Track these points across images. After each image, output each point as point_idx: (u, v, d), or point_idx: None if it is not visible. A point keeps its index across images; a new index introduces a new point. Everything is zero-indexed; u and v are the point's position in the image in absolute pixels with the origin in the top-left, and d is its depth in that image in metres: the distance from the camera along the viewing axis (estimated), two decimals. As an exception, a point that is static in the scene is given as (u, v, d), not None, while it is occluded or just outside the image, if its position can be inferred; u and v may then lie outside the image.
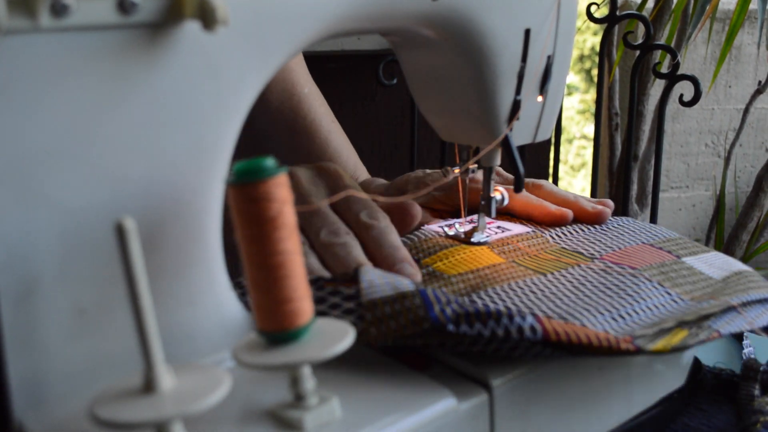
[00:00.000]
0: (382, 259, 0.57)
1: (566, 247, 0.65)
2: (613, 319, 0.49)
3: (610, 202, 0.72)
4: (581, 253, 0.63)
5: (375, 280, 0.45)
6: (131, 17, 0.37)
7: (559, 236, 0.67)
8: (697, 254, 0.64)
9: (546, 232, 0.68)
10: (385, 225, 0.60)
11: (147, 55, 0.38)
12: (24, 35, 0.35)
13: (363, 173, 0.93)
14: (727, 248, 1.97)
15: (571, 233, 0.68)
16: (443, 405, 0.42)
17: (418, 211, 0.64)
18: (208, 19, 0.37)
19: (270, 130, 0.91)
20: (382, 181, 0.85)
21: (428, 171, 0.77)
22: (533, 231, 0.68)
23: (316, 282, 0.48)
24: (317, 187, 0.62)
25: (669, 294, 0.54)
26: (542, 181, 0.76)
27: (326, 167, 0.65)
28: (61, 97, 0.36)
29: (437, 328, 0.42)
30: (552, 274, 0.57)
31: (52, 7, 0.34)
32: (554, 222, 0.70)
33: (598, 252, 0.63)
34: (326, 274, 0.54)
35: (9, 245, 0.36)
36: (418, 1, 0.52)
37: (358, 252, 0.57)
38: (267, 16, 0.43)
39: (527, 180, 0.76)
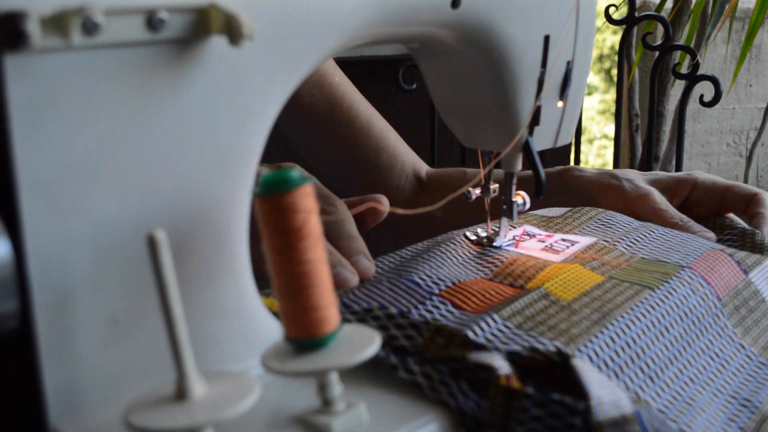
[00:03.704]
0: (338, 250, 0.56)
1: (645, 256, 0.66)
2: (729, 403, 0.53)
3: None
4: (666, 262, 0.64)
5: (603, 397, 0.42)
6: (159, 34, 0.38)
7: (630, 246, 0.68)
8: (760, 263, 0.67)
9: (616, 242, 0.68)
10: (342, 212, 0.59)
11: (175, 71, 0.39)
12: (56, 54, 0.35)
13: (415, 159, 0.89)
14: (750, 248, 1.95)
15: (637, 240, 0.69)
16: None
17: (386, 204, 0.62)
18: (234, 34, 0.38)
19: (304, 125, 0.88)
20: (473, 171, 0.83)
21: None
22: (599, 241, 0.68)
23: (513, 355, 0.44)
24: None
25: (743, 348, 0.58)
26: (693, 175, 0.79)
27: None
28: (93, 113, 0.37)
29: None
30: (659, 288, 0.57)
31: (83, 26, 0.35)
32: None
33: (683, 260, 0.64)
34: None
35: (44, 257, 0.37)
36: (439, 9, 0.53)
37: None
38: (291, 29, 0.44)
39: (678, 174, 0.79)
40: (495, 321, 0.48)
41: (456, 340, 0.45)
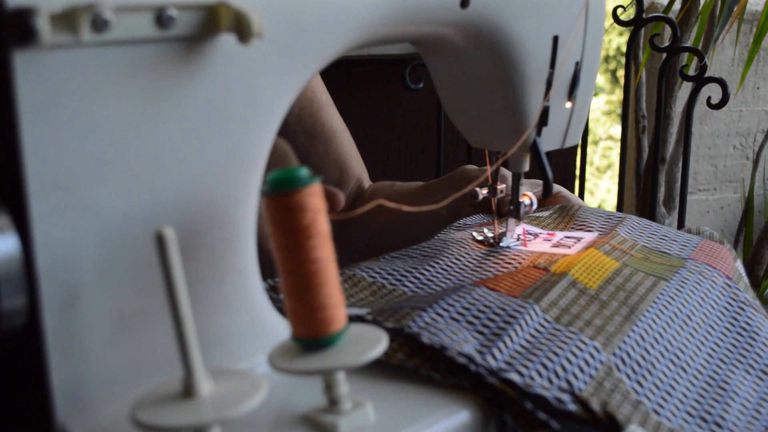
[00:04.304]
0: None
1: (646, 245, 0.68)
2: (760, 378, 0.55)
3: None
4: (668, 254, 0.67)
5: None
6: (168, 31, 0.38)
7: (629, 232, 0.70)
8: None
9: (615, 229, 0.70)
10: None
11: (184, 68, 0.39)
12: (66, 50, 0.35)
13: (362, 173, 0.96)
14: (756, 250, 1.95)
15: (633, 228, 0.71)
16: (475, 411, 0.43)
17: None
18: (243, 32, 0.38)
19: (287, 130, 0.92)
20: (400, 183, 0.88)
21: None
22: (599, 235, 0.69)
23: (568, 414, 0.44)
24: None
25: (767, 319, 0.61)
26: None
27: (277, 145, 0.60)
28: (102, 110, 0.37)
29: None
30: (672, 279, 0.60)
31: (92, 23, 0.35)
32: None
33: (683, 251, 0.67)
34: None
35: (52, 254, 0.37)
36: (448, 9, 0.53)
37: None
38: (300, 27, 0.44)
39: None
40: (537, 314, 0.50)
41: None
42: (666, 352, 0.52)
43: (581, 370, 0.46)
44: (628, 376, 0.48)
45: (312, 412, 0.40)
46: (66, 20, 0.34)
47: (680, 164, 1.67)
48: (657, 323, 0.54)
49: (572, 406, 0.43)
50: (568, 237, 0.69)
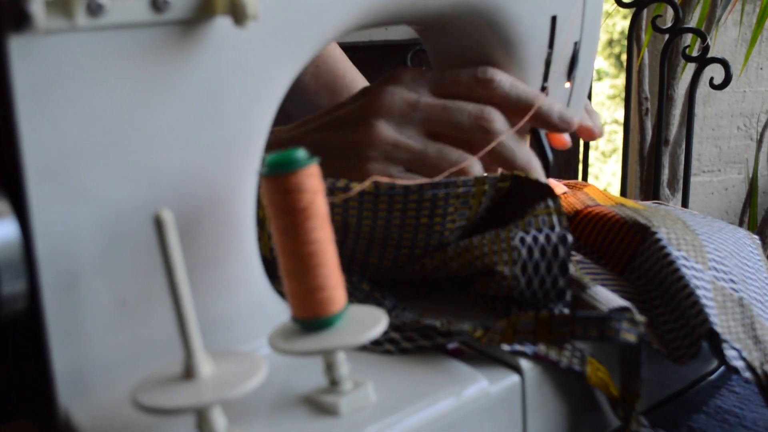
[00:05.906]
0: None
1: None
2: None
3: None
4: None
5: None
6: (164, 15, 0.38)
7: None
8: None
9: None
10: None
11: (180, 52, 0.39)
12: (61, 35, 0.36)
13: None
14: (761, 231, 1.95)
15: None
16: (476, 388, 0.43)
17: None
18: (238, 14, 0.38)
19: (302, 94, 0.89)
20: None
21: None
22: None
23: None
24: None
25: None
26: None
27: None
28: (98, 95, 0.37)
29: None
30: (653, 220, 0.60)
31: (88, 7, 0.35)
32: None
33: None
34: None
35: (52, 239, 0.37)
36: (444, -10, 0.53)
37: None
38: (296, 9, 0.44)
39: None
40: None
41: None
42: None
43: None
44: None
45: (313, 393, 0.41)
46: (61, 5, 0.35)
47: (684, 146, 1.67)
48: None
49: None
50: None
